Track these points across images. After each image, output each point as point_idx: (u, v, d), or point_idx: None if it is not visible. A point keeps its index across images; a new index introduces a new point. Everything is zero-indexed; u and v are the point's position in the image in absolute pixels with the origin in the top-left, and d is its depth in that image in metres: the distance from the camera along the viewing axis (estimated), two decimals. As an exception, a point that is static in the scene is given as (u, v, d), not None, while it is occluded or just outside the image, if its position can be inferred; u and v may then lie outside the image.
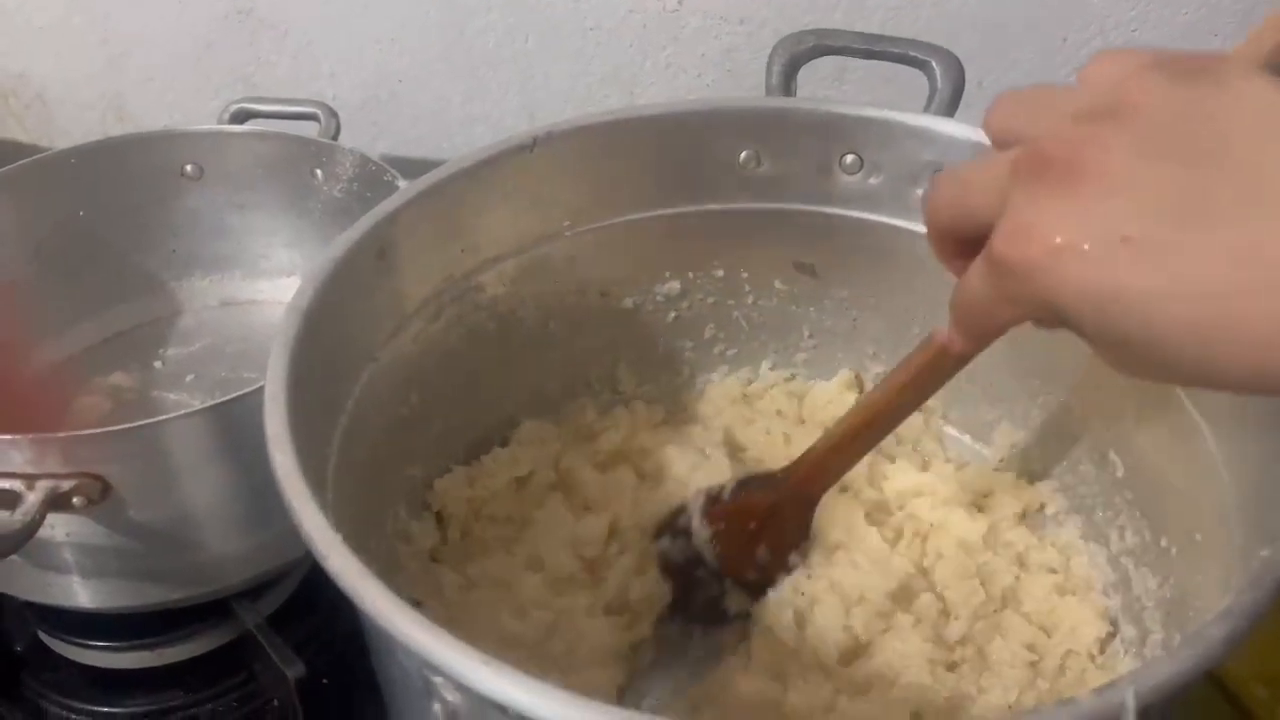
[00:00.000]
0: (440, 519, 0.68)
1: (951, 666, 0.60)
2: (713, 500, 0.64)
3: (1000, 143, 0.40)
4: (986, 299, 0.39)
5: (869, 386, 0.76)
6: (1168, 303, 0.33)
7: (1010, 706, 0.59)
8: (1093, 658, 0.61)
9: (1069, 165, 0.35)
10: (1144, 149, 0.34)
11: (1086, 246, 0.34)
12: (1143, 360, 0.35)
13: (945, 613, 0.63)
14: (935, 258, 0.46)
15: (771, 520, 0.63)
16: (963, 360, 0.51)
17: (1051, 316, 0.36)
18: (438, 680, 0.39)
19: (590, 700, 0.35)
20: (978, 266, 0.40)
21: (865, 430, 0.58)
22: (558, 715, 0.35)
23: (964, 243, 0.42)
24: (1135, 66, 0.36)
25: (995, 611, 0.63)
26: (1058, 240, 0.34)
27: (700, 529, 0.64)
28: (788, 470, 0.62)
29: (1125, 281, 0.33)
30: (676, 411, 0.77)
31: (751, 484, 0.65)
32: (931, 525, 0.66)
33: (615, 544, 0.66)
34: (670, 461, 0.70)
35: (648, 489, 0.69)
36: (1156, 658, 0.39)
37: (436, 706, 0.41)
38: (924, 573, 0.65)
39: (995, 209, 0.38)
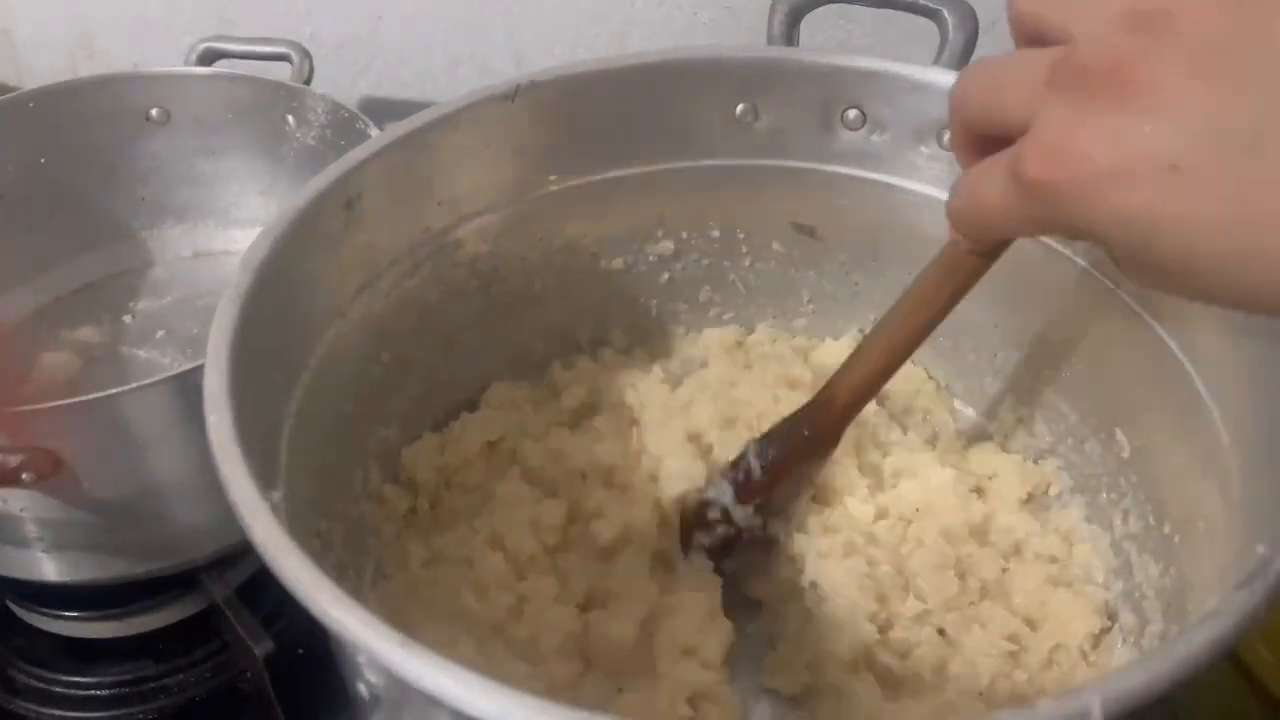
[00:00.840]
0: (412, 487, 0.65)
1: (905, 654, 0.58)
2: (743, 482, 0.60)
3: (1029, 36, 0.37)
4: (1003, 212, 0.37)
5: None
6: (1214, 234, 0.31)
7: (980, 694, 0.56)
8: (1085, 654, 0.58)
9: (1116, 79, 0.32)
10: (1196, 67, 0.31)
11: (1132, 172, 0.32)
12: (1175, 283, 0.34)
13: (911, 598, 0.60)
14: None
15: (804, 466, 0.61)
16: (978, 267, 0.49)
17: (1074, 235, 0.35)
18: (360, 659, 0.38)
19: (506, 687, 0.33)
20: (997, 176, 0.37)
21: (889, 354, 0.55)
22: (473, 701, 0.33)
23: (986, 140, 0.39)
24: None
25: (972, 604, 0.60)
26: (1100, 163, 0.32)
27: (740, 512, 0.60)
28: (811, 411, 0.59)
29: (1172, 209, 0.31)
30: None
31: (774, 443, 0.60)
32: (918, 510, 0.63)
33: (579, 528, 0.62)
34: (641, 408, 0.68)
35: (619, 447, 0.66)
36: (1130, 663, 0.36)
37: (360, 686, 0.41)
38: (900, 559, 0.61)
39: (1027, 112, 0.35)
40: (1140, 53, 0.32)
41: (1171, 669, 0.35)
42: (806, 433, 0.59)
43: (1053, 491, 0.66)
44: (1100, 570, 0.62)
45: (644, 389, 0.69)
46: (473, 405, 0.70)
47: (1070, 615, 0.59)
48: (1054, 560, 0.62)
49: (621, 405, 0.69)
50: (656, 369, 0.72)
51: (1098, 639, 0.58)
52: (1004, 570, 0.61)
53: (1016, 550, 0.63)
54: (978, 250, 0.47)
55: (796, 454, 0.60)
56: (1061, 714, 0.33)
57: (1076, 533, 0.64)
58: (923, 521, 0.62)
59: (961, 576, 0.60)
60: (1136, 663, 0.35)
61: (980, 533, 0.63)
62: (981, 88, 0.39)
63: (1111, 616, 0.59)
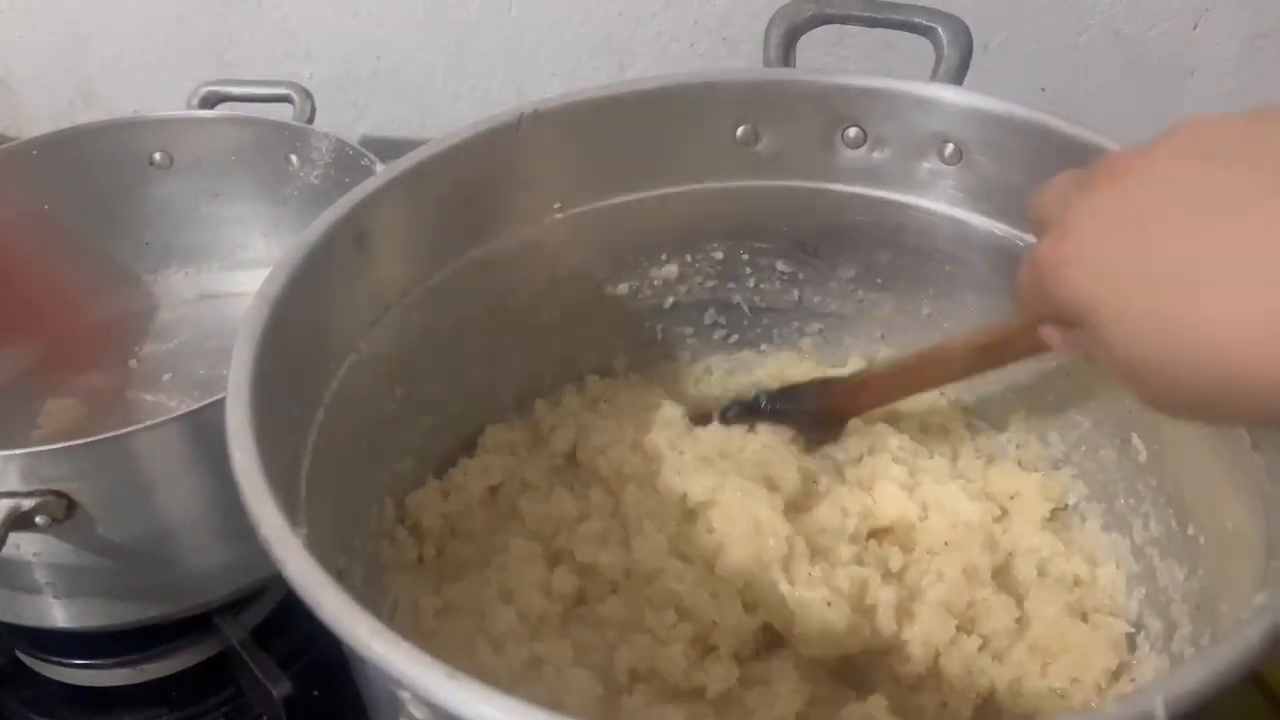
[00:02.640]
0: (418, 534, 0.64)
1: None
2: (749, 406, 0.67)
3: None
4: (1033, 294, 0.43)
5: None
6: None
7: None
8: (1100, 689, 0.57)
9: (1115, 168, 0.40)
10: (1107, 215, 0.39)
11: (1107, 240, 0.38)
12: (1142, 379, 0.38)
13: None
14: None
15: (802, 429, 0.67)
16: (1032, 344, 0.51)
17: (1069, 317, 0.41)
18: (404, 695, 0.37)
19: (556, 715, 0.33)
20: (1029, 264, 0.43)
21: (927, 371, 0.63)
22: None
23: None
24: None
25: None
26: (1087, 236, 0.39)
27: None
28: (838, 386, 0.67)
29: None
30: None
31: (785, 396, 0.67)
32: (946, 544, 0.62)
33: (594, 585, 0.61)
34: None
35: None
36: (1188, 662, 0.36)
37: (400, 722, 0.39)
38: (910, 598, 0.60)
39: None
40: (1148, 151, 0.39)
41: (1229, 666, 0.35)
42: (821, 403, 0.66)
43: (1070, 500, 0.65)
44: (1123, 593, 0.61)
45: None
46: (464, 452, 0.69)
47: (1089, 648, 0.58)
48: (1077, 583, 0.62)
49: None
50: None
51: (1116, 674, 0.57)
52: (1017, 621, 0.60)
53: (1040, 572, 0.62)
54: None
55: (804, 415, 0.66)
56: (1127, 717, 0.33)
57: (1100, 551, 0.63)
58: (949, 555, 0.62)
59: (970, 625, 0.59)
60: (1193, 663, 0.35)
61: (1002, 571, 0.62)
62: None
63: (1131, 646, 0.58)
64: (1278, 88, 0.94)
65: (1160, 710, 0.33)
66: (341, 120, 1.02)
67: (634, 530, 0.61)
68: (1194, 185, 0.36)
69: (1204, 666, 0.34)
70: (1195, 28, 0.91)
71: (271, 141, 0.87)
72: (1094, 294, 0.38)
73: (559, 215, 0.65)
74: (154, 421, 0.58)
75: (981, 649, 0.58)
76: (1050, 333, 0.46)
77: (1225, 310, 0.34)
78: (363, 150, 0.81)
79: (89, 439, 0.57)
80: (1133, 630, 0.59)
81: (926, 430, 0.70)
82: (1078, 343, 0.43)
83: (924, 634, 0.57)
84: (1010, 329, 0.56)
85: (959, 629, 0.58)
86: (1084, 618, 0.60)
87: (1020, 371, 0.66)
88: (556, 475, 0.68)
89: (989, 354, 0.60)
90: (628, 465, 0.65)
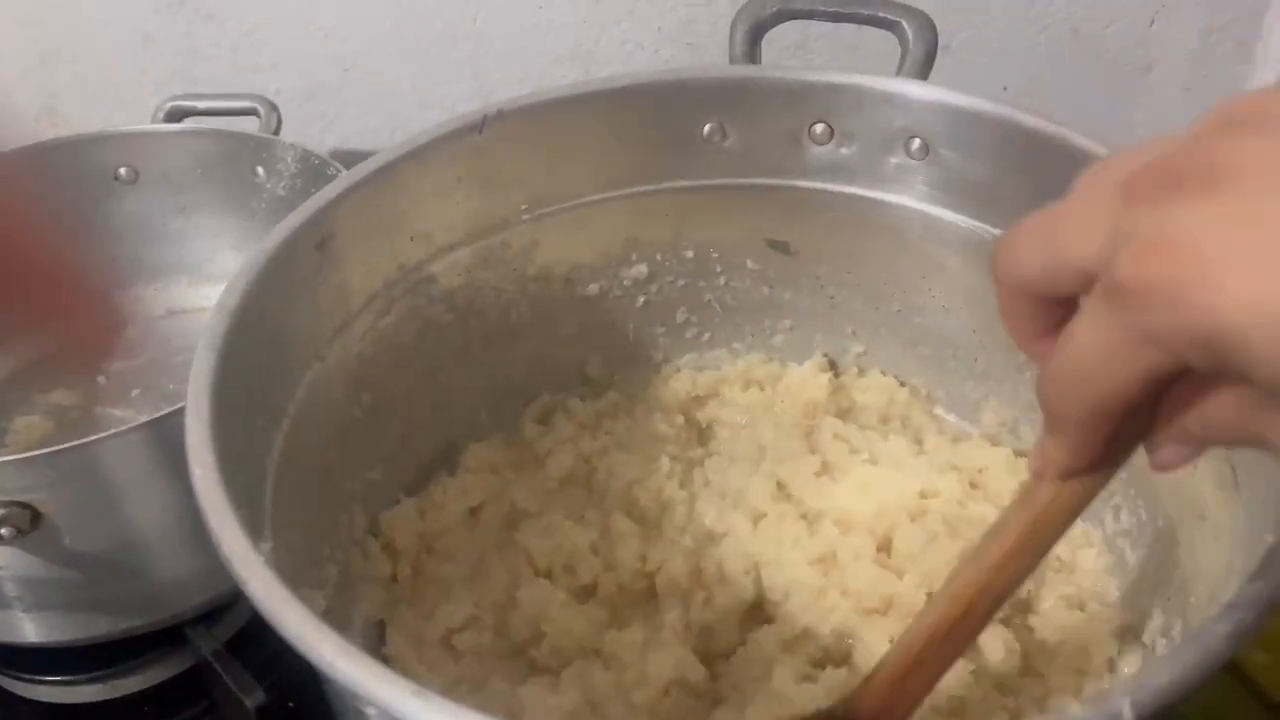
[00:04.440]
0: (392, 552, 0.64)
1: None
2: None
3: (1046, 282, 0.34)
4: (1109, 351, 0.31)
5: (846, 369, 0.73)
6: None
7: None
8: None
9: (1209, 169, 0.28)
10: None
11: (1253, 249, 0.26)
12: None
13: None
14: (1007, 331, 0.36)
15: None
16: (1077, 501, 0.38)
17: (1207, 354, 0.28)
18: (371, 712, 0.37)
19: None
20: (1087, 316, 0.31)
21: (953, 631, 0.42)
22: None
23: (1049, 308, 0.34)
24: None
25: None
26: (1212, 248, 0.27)
27: None
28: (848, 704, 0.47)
29: None
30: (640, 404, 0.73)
31: None
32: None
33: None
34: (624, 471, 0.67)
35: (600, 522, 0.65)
36: (1156, 660, 0.36)
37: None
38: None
39: (1100, 252, 0.30)
40: (1223, 146, 0.28)
41: (1198, 665, 0.34)
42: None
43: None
44: (1105, 578, 0.61)
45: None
46: (451, 455, 0.69)
47: (1088, 639, 0.57)
48: (1059, 560, 0.62)
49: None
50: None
51: (1113, 664, 0.57)
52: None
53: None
54: (1076, 468, 0.36)
55: None
56: (1095, 718, 0.33)
57: (1074, 532, 0.63)
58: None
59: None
60: (1161, 661, 0.35)
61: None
62: (1031, 243, 0.34)
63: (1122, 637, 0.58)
64: (1234, 82, 0.95)
65: (1127, 711, 0.33)
66: (310, 133, 1.02)
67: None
68: None
69: (1172, 666, 0.34)
70: (1151, 24, 0.92)
71: (237, 153, 0.87)
72: (1257, 299, 0.26)
73: (526, 216, 0.65)
74: (117, 430, 0.58)
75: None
76: (1170, 452, 0.34)
77: None
78: (329, 160, 0.81)
79: (51, 449, 0.56)
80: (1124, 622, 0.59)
81: (887, 421, 0.70)
82: (1217, 426, 0.32)
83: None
84: (1036, 504, 0.39)
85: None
86: (1081, 607, 0.60)
87: (991, 364, 0.67)
88: (552, 500, 0.67)
89: (1025, 553, 0.40)
90: (654, 493, 0.65)
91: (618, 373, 0.73)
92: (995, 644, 0.55)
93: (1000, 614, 0.55)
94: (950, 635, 0.42)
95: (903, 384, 0.71)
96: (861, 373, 0.73)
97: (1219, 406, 0.31)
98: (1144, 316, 0.29)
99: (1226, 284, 0.27)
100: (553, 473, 0.68)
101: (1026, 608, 0.59)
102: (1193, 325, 0.28)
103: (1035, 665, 0.57)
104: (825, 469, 0.66)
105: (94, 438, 0.57)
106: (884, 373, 0.72)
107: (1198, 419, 0.32)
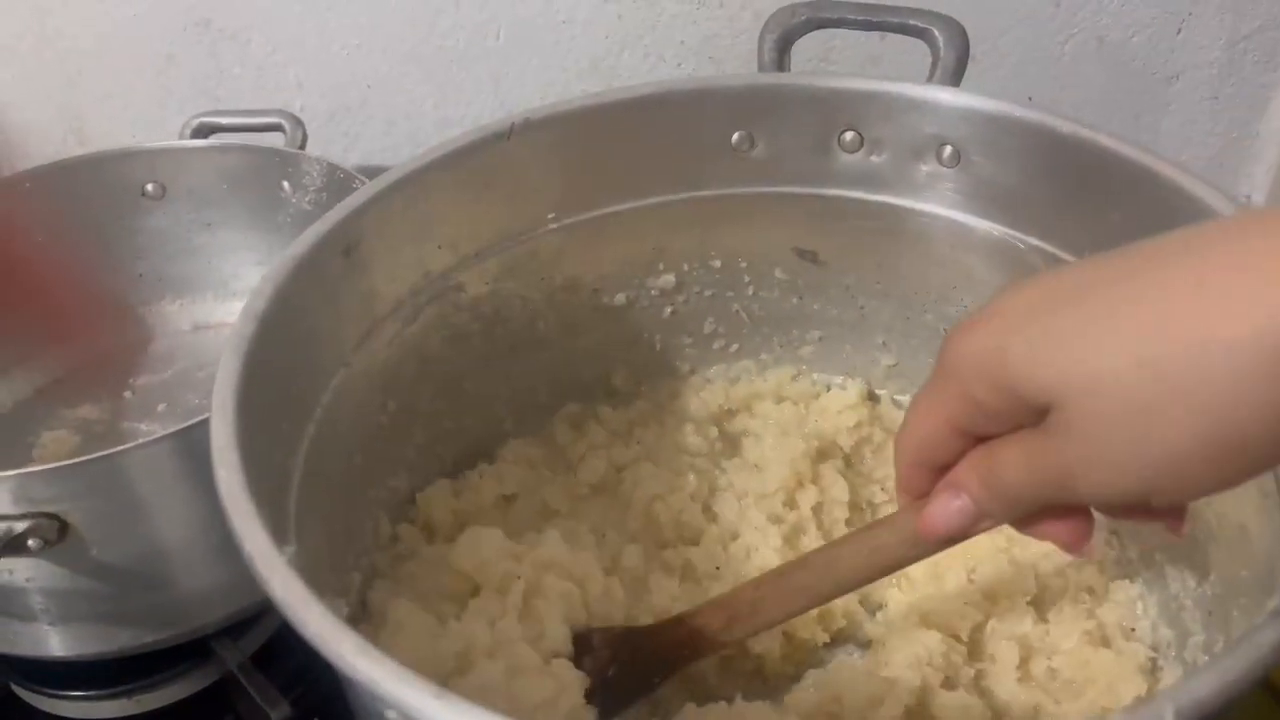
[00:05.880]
0: (428, 529, 0.64)
1: None
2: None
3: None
4: (926, 405, 0.42)
5: (882, 391, 0.73)
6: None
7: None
8: None
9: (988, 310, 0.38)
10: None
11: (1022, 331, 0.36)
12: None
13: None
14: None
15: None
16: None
17: (999, 395, 0.37)
18: (391, 715, 0.36)
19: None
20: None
21: (793, 584, 0.53)
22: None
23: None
24: None
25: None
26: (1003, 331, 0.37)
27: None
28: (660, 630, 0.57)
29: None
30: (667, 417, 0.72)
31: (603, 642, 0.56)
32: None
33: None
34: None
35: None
36: (1200, 669, 0.35)
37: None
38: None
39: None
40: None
41: (1244, 672, 0.34)
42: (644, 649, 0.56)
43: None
44: (1139, 606, 0.60)
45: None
46: (485, 454, 0.69)
47: (1115, 677, 0.56)
48: (1090, 591, 0.61)
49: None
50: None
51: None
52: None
53: (1047, 588, 0.61)
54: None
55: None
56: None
57: (1106, 560, 0.62)
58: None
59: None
60: (1204, 670, 0.34)
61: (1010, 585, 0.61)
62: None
63: (1154, 670, 0.57)
64: (1261, 91, 0.95)
65: (1170, 718, 0.32)
66: (334, 150, 1.02)
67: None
68: (1108, 268, 0.35)
69: (1216, 674, 0.34)
70: (1178, 33, 0.92)
71: (263, 168, 0.87)
72: (1066, 359, 0.34)
73: (553, 225, 0.65)
74: (144, 440, 0.57)
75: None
76: (937, 504, 0.42)
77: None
78: (354, 173, 0.80)
79: (79, 459, 0.56)
80: (1154, 655, 0.58)
81: None
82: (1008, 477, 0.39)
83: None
84: (897, 525, 0.47)
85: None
86: (1105, 643, 0.59)
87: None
88: (583, 505, 0.67)
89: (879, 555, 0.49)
90: (674, 514, 0.65)
91: (644, 383, 0.73)
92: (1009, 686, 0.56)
93: (1018, 654, 0.56)
94: (789, 586, 0.52)
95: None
96: (899, 405, 0.72)
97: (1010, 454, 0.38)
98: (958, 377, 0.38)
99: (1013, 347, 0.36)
100: (585, 477, 0.67)
101: (1051, 649, 0.58)
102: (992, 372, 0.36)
103: (1061, 707, 0.56)
104: (855, 508, 0.66)
105: (121, 448, 0.57)
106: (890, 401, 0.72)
107: (984, 470, 0.40)
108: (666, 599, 0.60)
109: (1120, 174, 0.55)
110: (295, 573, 0.38)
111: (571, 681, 0.52)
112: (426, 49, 0.97)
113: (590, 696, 0.52)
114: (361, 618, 0.57)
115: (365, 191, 0.57)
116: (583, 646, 0.55)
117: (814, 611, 0.59)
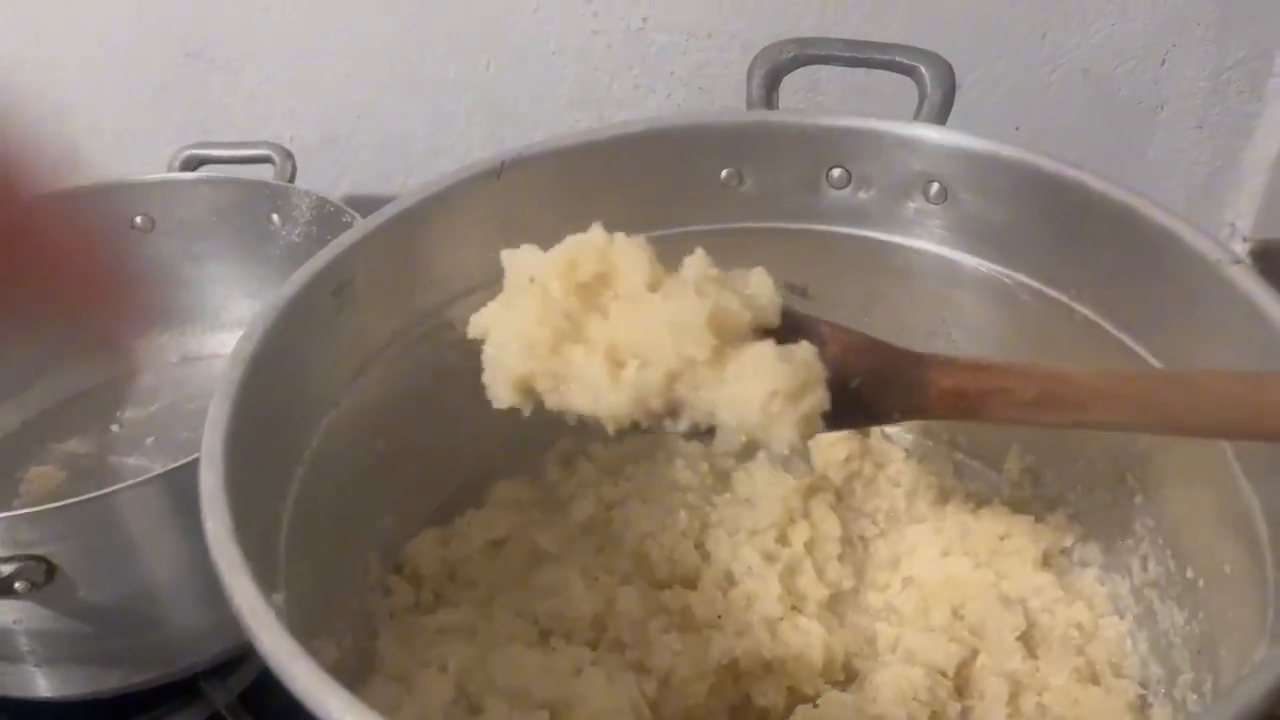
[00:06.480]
0: (415, 580, 0.63)
1: None
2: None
3: None
4: None
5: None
6: None
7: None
8: None
9: None
10: None
11: None
12: None
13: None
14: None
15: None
16: None
17: None
18: None
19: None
20: None
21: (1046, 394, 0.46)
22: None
23: None
24: None
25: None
26: None
27: None
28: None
29: None
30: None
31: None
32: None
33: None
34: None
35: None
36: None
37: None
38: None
39: None
40: None
41: None
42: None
43: (1066, 541, 0.65)
44: (1129, 642, 0.60)
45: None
46: (474, 493, 0.68)
47: (1105, 714, 0.56)
48: (1080, 628, 0.61)
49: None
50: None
51: None
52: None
53: (1036, 624, 0.61)
54: None
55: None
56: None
57: (1097, 596, 0.62)
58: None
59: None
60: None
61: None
62: None
63: (1144, 708, 0.57)
64: (1246, 120, 0.95)
65: None
66: (325, 180, 1.02)
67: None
68: None
69: None
70: (1162, 64, 0.92)
71: (252, 201, 0.87)
72: None
73: (545, 262, 0.65)
74: (132, 482, 0.57)
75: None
76: None
77: None
78: (344, 207, 0.81)
79: (66, 501, 0.56)
80: (1143, 692, 0.58)
81: (914, 497, 0.70)
82: None
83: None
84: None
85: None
86: (1095, 680, 0.59)
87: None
88: (573, 545, 0.66)
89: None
90: (666, 551, 0.64)
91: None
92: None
93: (1008, 690, 0.56)
94: (1135, 394, 0.45)
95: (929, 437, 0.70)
96: (889, 439, 0.72)
97: None
98: None
99: None
100: (575, 517, 0.67)
101: (1040, 685, 0.58)
102: None
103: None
104: (848, 543, 0.66)
105: (108, 490, 0.57)
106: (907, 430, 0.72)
107: None
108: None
109: (1106, 213, 0.55)
110: (283, 626, 0.38)
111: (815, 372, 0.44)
112: (417, 79, 0.98)
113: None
114: (354, 659, 0.57)
115: (355, 231, 0.57)
116: (806, 331, 0.46)
117: (818, 664, 0.59)
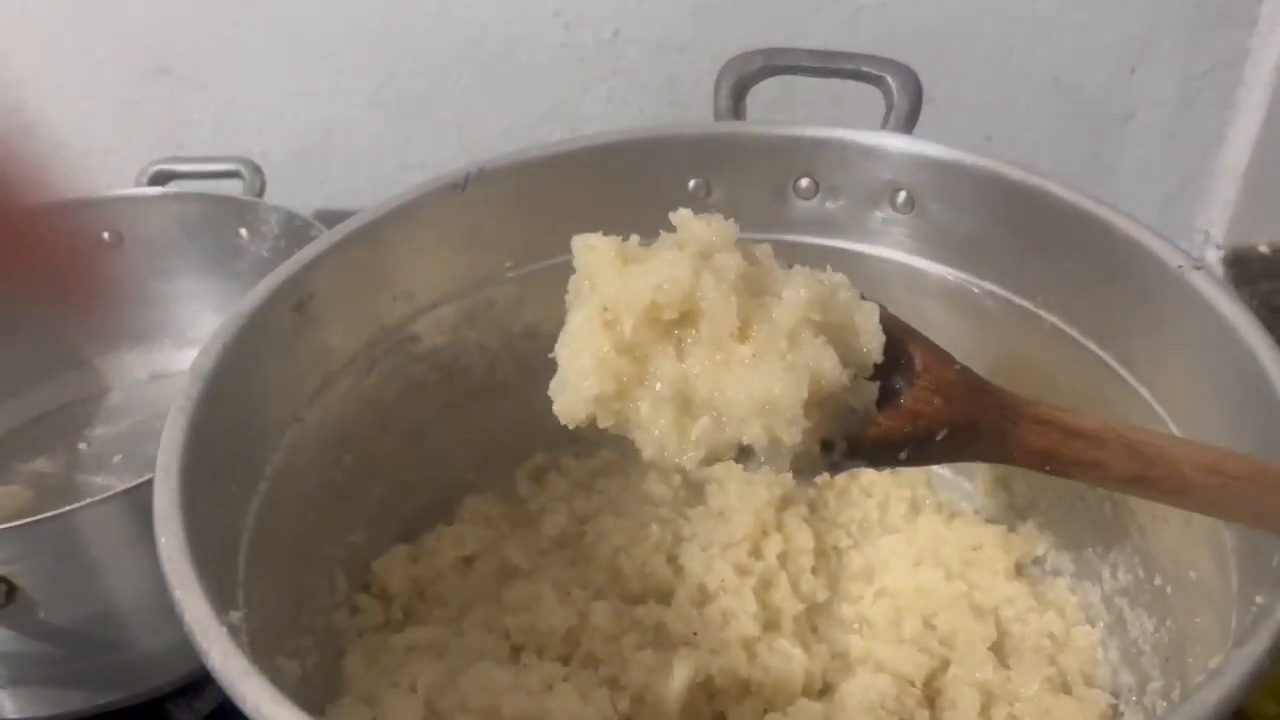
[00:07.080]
0: (384, 597, 0.63)
1: None
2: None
3: None
4: None
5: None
6: None
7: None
8: None
9: None
10: None
11: None
12: None
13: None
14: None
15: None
16: None
17: None
18: None
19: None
20: None
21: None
22: None
23: None
24: None
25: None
26: None
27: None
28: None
29: None
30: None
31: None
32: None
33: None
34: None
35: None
36: None
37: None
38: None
39: None
40: None
41: None
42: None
43: (1038, 550, 0.65)
44: (1100, 651, 0.60)
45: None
46: (444, 509, 0.68)
47: None
48: (1051, 637, 0.61)
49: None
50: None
51: None
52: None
53: (1008, 634, 0.61)
54: None
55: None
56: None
57: (1069, 606, 0.62)
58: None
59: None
60: None
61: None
62: None
63: (1116, 716, 0.57)
64: (1216, 129, 0.96)
65: None
66: (296, 195, 1.01)
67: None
68: None
69: None
70: (1132, 73, 0.93)
71: (220, 216, 0.87)
72: None
73: (511, 274, 0.64)
74: (92, 500, 0.56)
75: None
76: None
77: None
78: (312, 221, 0.80)
79: (25, 520, 0.55)
80: (1115, 701, 0.58)
81: (880, 484, 0.70)
82: None
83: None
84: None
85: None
86: (1066, 690, 0.58)
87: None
88: (545, 561, 0.66)
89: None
90: (639, 565, 0.64)
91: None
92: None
93: (979, 701, 0.56)
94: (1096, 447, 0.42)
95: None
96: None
97: None
98: None
99: None
100: (547, 531, 0.67)
101: (1012, 696, 0.58)
102: None
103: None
104: (821, 555, 0.66)
105: (69, 508, 0.56)
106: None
107: None
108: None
109: (1071, 221, 0.55)
110: (236, 644, 0.38)
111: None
112: (388, 93, 0.97)
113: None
114: (320, 678, 0.56)
115: (316, 245, 0.57)
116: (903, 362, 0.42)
117: (797, 688, 0.58)
